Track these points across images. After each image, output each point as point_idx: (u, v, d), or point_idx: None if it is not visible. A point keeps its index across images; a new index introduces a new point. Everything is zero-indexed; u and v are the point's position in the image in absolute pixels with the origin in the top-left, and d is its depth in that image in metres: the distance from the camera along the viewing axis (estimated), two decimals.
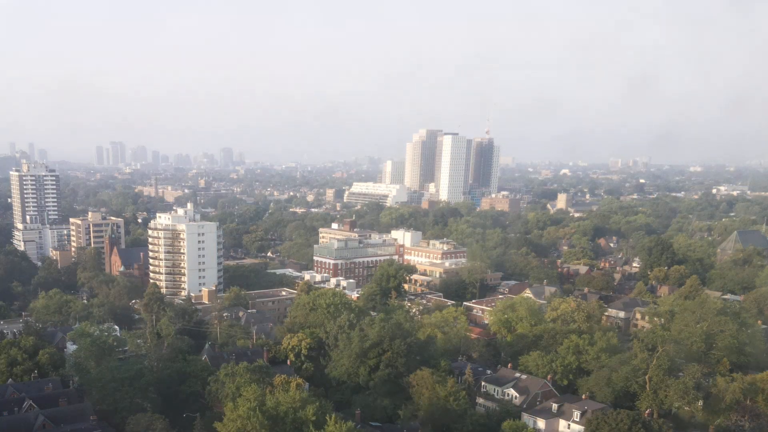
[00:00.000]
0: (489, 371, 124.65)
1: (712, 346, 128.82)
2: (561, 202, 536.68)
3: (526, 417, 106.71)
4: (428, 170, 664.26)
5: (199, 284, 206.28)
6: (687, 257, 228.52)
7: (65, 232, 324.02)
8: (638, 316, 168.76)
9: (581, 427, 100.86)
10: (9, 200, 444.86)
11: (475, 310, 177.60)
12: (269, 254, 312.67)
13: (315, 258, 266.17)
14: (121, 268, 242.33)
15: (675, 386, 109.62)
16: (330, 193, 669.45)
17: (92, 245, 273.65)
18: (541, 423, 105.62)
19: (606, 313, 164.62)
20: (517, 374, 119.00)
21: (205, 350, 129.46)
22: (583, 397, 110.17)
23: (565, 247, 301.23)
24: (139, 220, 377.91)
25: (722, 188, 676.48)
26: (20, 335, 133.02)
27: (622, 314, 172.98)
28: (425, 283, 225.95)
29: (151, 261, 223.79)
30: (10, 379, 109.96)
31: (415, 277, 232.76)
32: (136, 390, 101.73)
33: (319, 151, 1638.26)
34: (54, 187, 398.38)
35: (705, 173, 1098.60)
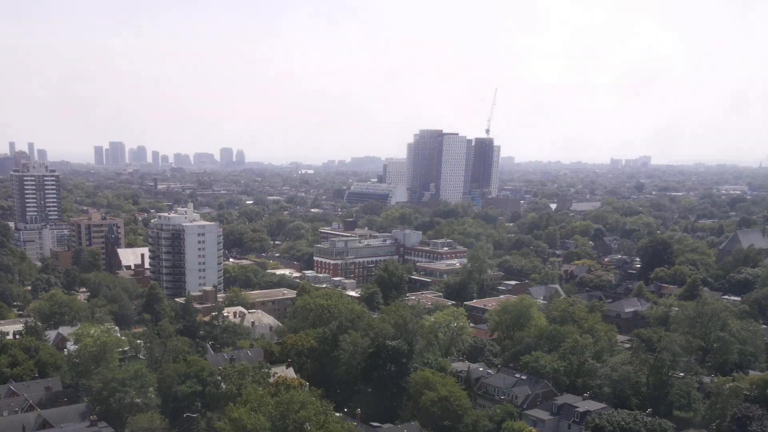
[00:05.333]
0: (489, 371, 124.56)
1: (712, 345, 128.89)
2: (561, 201, 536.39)
3: (526, 417, 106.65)
4: (428, 170, 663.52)
5: (199, 284, 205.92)
6: (687, 257, 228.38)
7: (65, 232, 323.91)
8: (639, 316, 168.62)
9: (582, 427, 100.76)
10: (9, 200, 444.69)
11: (475, 310, 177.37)
12: (269, 254, 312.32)
13: (315, 258, 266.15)
14: (121, 269, 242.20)
15: (675, 386, 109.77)
16: (330, 193, 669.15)
17: (92, 245, 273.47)
18: (541, 423, 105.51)
19: (606, 313, 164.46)
20: (517, 374, 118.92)
21: (206, 350, 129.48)
22: (584, 397, 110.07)
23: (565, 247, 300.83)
24: (139, 220, 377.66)
25: (722, 188, 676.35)
26: (20, 335, 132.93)
27: (622, 314, 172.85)
28: (425, 283, 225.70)
29: (151, 261, 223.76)
30: (10, 379, 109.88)
31: (415, 276, 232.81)
32: (136, 390, 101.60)
33: (319, 151, 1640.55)
34: (54, 187, 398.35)
35: (705, 173, 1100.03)
